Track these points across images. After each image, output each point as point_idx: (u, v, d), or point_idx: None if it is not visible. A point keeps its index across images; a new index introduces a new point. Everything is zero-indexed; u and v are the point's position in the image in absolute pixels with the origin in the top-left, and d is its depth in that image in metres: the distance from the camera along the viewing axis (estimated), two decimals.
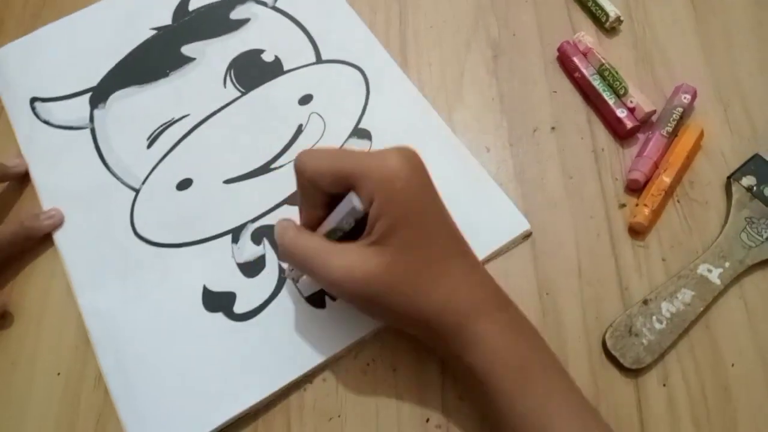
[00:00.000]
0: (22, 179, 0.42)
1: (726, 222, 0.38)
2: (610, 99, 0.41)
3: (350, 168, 0.29)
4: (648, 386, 0.34)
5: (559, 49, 0.44)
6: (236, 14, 0.47)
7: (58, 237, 0.39)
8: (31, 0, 0.50)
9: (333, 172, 0.29)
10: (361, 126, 0.42)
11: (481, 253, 0.36)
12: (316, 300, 0.36)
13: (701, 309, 0.35)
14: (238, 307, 0.36)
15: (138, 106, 0.43)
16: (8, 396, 0.35)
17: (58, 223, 0.39)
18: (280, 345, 0.35)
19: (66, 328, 0.37)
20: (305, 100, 0.43)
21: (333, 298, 0.36)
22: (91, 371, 0.36)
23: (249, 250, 0.38)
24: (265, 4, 0.47)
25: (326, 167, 0.30)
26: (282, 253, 0.32)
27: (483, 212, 0.38)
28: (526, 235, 0.38)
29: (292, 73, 0.44)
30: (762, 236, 0.37)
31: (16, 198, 0.42)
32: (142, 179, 0.41)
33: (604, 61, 0.42)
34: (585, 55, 0.43)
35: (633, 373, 0.34)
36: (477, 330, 0.30)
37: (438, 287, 0.30)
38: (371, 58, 0.44)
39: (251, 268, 0.37)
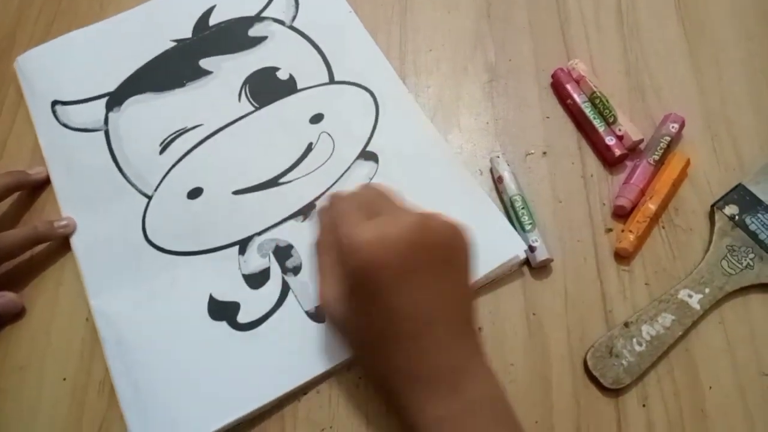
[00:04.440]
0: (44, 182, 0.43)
1: (708, 249, 0.39)
2: (600, 126, 0.43)
3: (336, 231, 0.32)
4: (628, 406, 0.36)
5: (553, 76, 0.46)
6: (254, 32, 0.48)
7: (74, 240, 0.41)
8: (42, 14, 0.51)
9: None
10: (368, 149, 0.43)
11: (479, 273, 0.37)
12: (316, 315, 0.38)
13: (680, 333, 0.37)
14: (242, 317, 0.38)
15: (152, 112, 0.45)
16: (18, 399, 0.37)
17: (71, 232, 0.41)
18: (279, 356, 0.37)
19: (73, 335, 0.39)
20: (316, 119, 0.44)
21: None
22: (95, 377, 0.37)
23: (255, 262, 0.40)
24: (282, 23, 0.49)
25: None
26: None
27: (483, 235, 0.39)
28: (523, 262, 0.39)
29: (305, 92, 0.46)
30: (742, 264, 0.38)
31: (35, 199, 0.43)
32: (154, 186, 0.42)
33: (595, 89, 0.44)
34: (578, 82, 0.45)
35: (614, 392, 0.36)
36: (417, 415, 0.29)
37: (383, 357, 0.30)
38: (382, 81, 0.46)
39: (256, 280, 0.39)
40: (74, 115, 0.45)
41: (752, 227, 0.39)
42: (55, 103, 0.46)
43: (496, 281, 0.39)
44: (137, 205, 0.42)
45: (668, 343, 0.36)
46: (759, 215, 0.40)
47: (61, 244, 0.41)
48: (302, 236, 0.40)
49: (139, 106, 0.45)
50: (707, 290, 0.38)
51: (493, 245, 0.39)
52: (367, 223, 0.30)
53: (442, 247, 0.30)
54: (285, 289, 0.39)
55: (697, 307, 0.37)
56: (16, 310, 0.39)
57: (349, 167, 0.42)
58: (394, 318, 0.29)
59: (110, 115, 0.45)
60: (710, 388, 0.36)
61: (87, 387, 0.37)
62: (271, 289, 0.39)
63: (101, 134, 0.44)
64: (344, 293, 0.31)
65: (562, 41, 0.48)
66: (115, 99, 0.46)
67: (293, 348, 0.37)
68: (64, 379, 0.37)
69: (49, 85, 0.47)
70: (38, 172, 0.43)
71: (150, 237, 0.41)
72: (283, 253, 0.40)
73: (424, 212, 0.30)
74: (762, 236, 0.39)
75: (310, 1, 0.50)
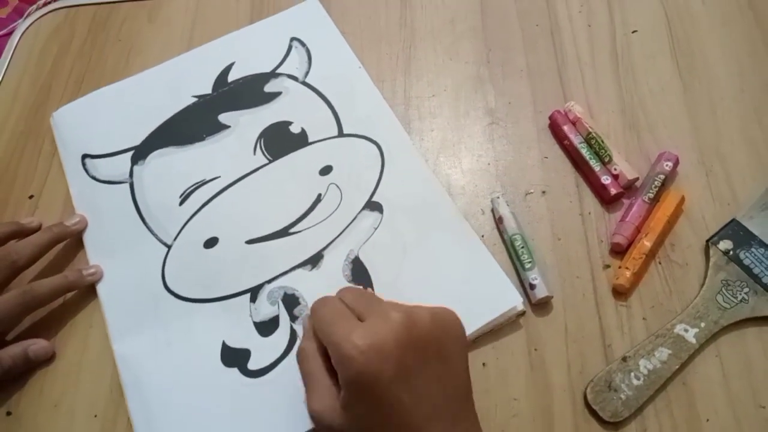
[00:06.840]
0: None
1: (704, 283, 0.41)
2: (596, 166, 0.44)
3: (326, 340, 0.32)
4: None
5: (550, 118, 0.48)
6: (270, 87, 0.51)
7: (100, 287, 0.44)
8: (74, 69, 0.56)
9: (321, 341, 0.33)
10: (374, 199, 0.45)
11: (474, 325, 0.39)
12: None
13: (677, 367, 0.38)
14: (252, 364, 0.40)
15: (174, 165, 0.48)
16: None
17: (98, 279, 0.44)
18: (287, 403, 0.38)
19: (102, 373, 0.41)
20: (325, 171, 0.47)
21: None
22: (123, 414, 0.40)
23: (265, 310, 0.42)
24: (296, 79, 0.52)
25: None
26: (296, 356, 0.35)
27: (481, 287, 0.41)
28: (521, 314, 0.41)
29: (315, 144, 0.48)
30: (737, 298, 0.40)
31: (66, 247, 0.46)
32: (174, 235, 0.45)
33: (591, 130, 0.46)
34: (574, 123, 0.47)
35: (613, 426, 0.37)
36: None
37: None
38: (388, 134, 0.48)
39: (266, 328, 0.41)
40: (102, 168, 0.49)
41: (746, 262, 0.41)
42: (85, 156, 0.49)
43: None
44: (158, 254, 0.45)
45: (665, 377, 0.38)
46: (753, 250, 0.41)
47: (91, 288, 0.44)
48: (310, 285, 0.42)
49: (161, 159, 0.49)
50: (703, 324, 0.39)
51: (491, 297, 0.40)
52: (357, 330, 0.30)
53: (434, 338, 0.31)
54: (293, 337, 0.41)
55: (693, 341, 0.39)
56: (46, 357, 0.42)
57: (355, 217, 0.45)
58: (398, 418, 0.30)
59: (135, 168, 0.48)
60: (707, 420, 0.37)
61: (116, 424, 0.40)
62: (280, 336, 0.41)
63: (126, 186, 0.48)
64: (342, 403, 0.30)
65: (559, 83, 0.50)
66: (140, 153, 0.49)
67: (300, 395, 0.38)
68: (95, 416, 0.40)
69: (80, 140, 0.50)
70: (75, 223, 0.45)
71: (168, 285, 0.43)
72: (291, 301, 0.42)
73: (409, 306, 0.31)
74: (756, 270, 0.40)
75: (323, 58, 0.52)
